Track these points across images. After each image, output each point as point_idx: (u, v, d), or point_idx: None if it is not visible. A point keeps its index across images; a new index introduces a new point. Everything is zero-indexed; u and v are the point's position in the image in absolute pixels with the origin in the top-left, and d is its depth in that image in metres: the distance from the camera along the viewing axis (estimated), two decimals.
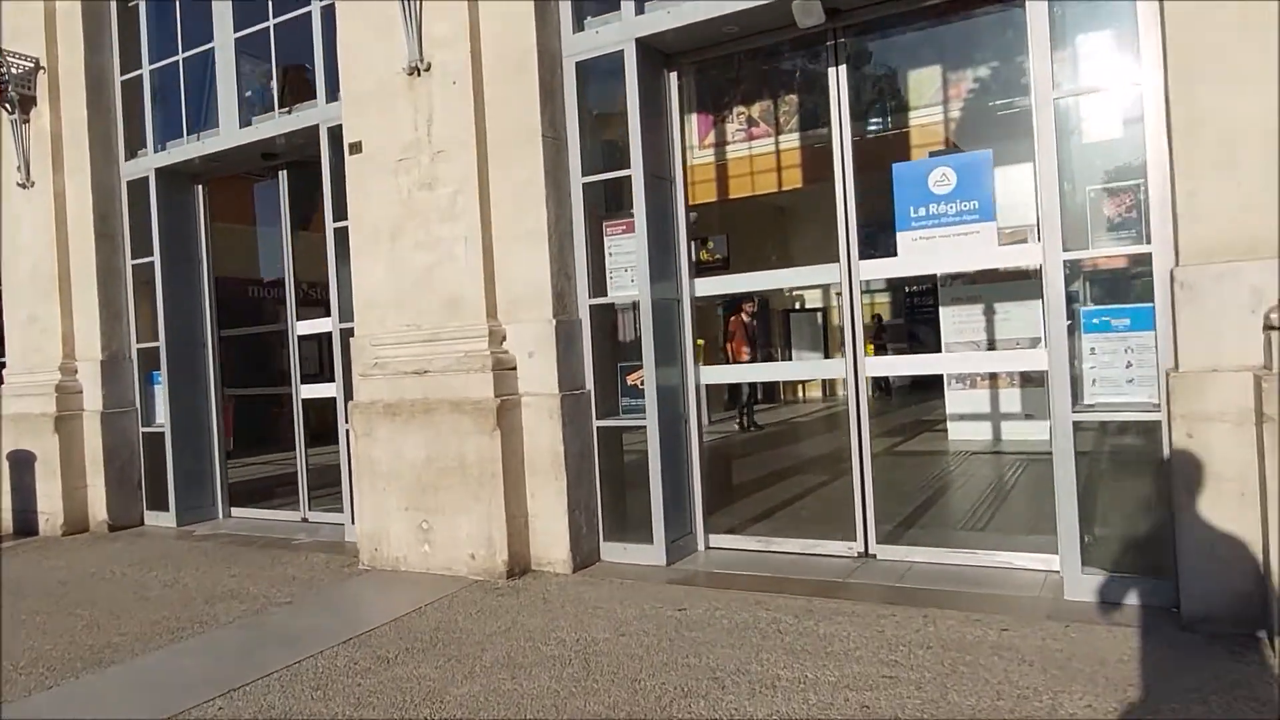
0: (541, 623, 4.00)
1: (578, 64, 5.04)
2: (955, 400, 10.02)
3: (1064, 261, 3.82)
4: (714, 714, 2.94)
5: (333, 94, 5.91)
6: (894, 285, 18.58)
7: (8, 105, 7.18)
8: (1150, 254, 3.64)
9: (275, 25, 6.40)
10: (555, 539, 4.85)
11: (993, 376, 9.65)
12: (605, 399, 5.12)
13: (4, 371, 7.76)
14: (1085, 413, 3.84)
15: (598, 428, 5.05)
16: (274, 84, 6.64)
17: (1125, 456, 4.18)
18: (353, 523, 5.63)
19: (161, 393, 7.20)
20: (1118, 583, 3.76)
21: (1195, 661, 3.11)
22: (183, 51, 7.04)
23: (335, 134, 5.87)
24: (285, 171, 6.97)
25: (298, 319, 6.92)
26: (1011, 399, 9.61)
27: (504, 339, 5.01)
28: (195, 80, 7.07)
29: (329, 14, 5.82)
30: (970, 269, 4.51)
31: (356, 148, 5.56)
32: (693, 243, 14.26)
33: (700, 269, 7.21)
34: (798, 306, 20.28)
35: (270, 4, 6.38)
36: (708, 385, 5.49)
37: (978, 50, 9.43)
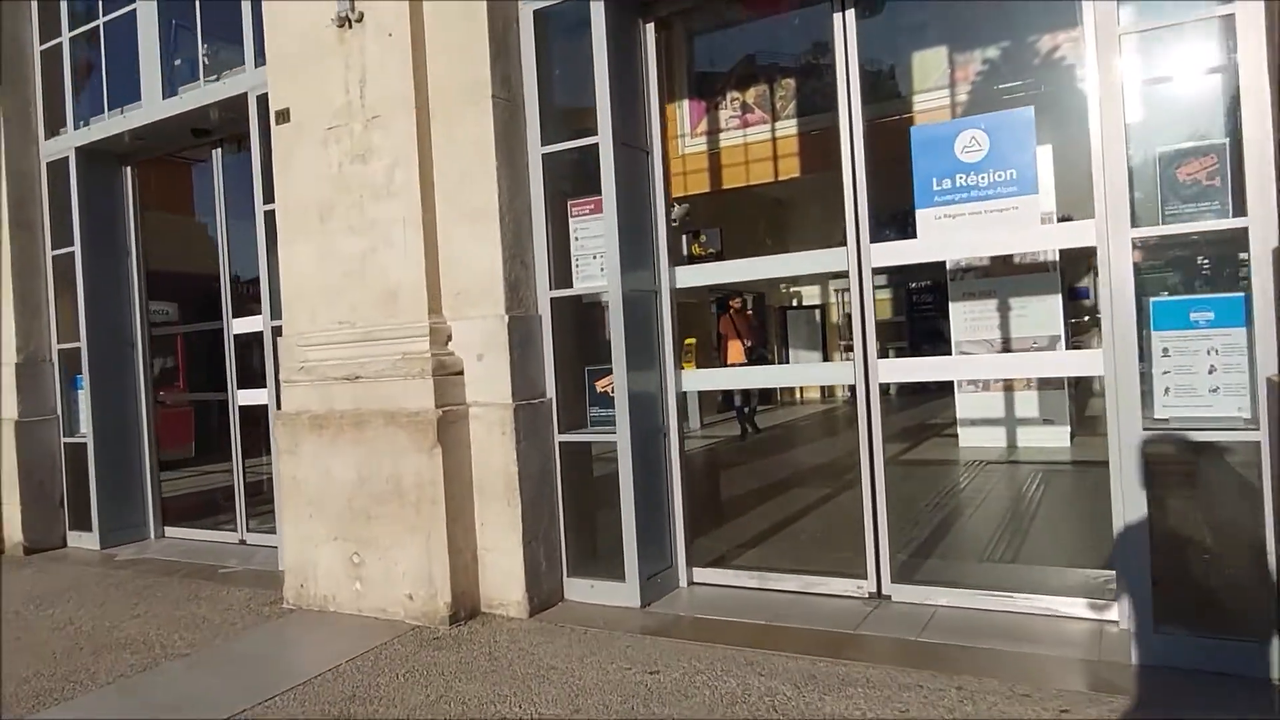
0: (480, 691, 3.22)
1: (536, 12, 4.26)
2: (967, 404, 9.26)
3: (1132, 241, 3.04)
4: None
5: (262, 57, 5.12)
6: (892, 280, 17.79)
7: None
8: (1245, 229, 2.87)
9: None
10: (508, 576, 4.07)
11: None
12: (570, 409, 4.35)
13: None
14: (1157, 428, 3.07)
15: (560, 443, 4.28)
16: (201, 49, 5.84)
17: (1202, 482, 3.40)
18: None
19: (85, 399, 6.42)
20: (1199, 645, 2.99)
21: None
22: (103, 15, 6.25)
23: (264, 103, 5.07)
24: (219, 150, 6.19)
25: (234, 315, 6.14)
26: (1028, 403, 8.85)
27: (449, 338, 4.23)
28: (119, 48, 6.28)
29: None
30: (1007, 252, 3.70)
31: (283, 116, 4.78)
32: (684, 235, 13.48)
33: (692, 263, 6.45)
34: (795, 304, 19.52)
35: None
36: (692, 392, 4.70)
37: None
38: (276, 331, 5.14)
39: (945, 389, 11.13)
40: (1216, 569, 3.22)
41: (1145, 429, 3.04)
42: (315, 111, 4.53)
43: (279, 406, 4.82)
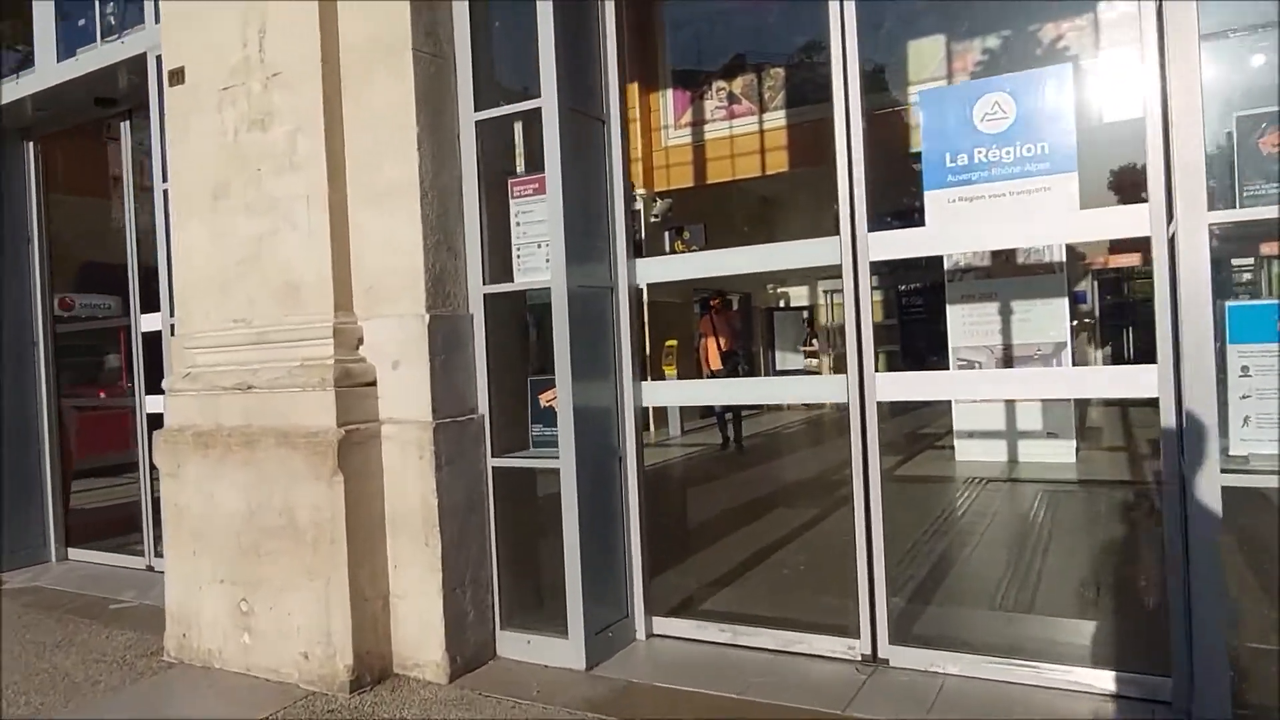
0: None
1: None
2: (964, 414, 8.58)
3: (1208, 228, 2.36)
4: None
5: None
6: (881, 280, 17.15)
7: None
8: None
9: None
10: (426, 630, 3.36)
11: None
12: (508, 427, 3.64)
13: None
14: (1239, 472, 2.39)
15: (495, 469, 3.57)
16: (102, 6, 5.09)
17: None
18: None
19: None
20: None
21: None
22: None
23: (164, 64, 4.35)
24: (128, 122, 5.45)
25: (144, 310, 5.40)
26: (1031, 414, 8.17)
27: (360, 342, 3.51)
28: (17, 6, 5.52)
29: None
30: (1040, 244, 2.97)
31: (177, 76, 4.04)
32: (667, 232, 12.72)
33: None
34: (782, 305, 18.85)
35: None
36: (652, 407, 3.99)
37: None
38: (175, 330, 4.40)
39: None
40: None
41: (1225, 471, 2.35)
42: (211, 71, 3.81)
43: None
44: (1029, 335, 8.07)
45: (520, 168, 3.82)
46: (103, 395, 7.55)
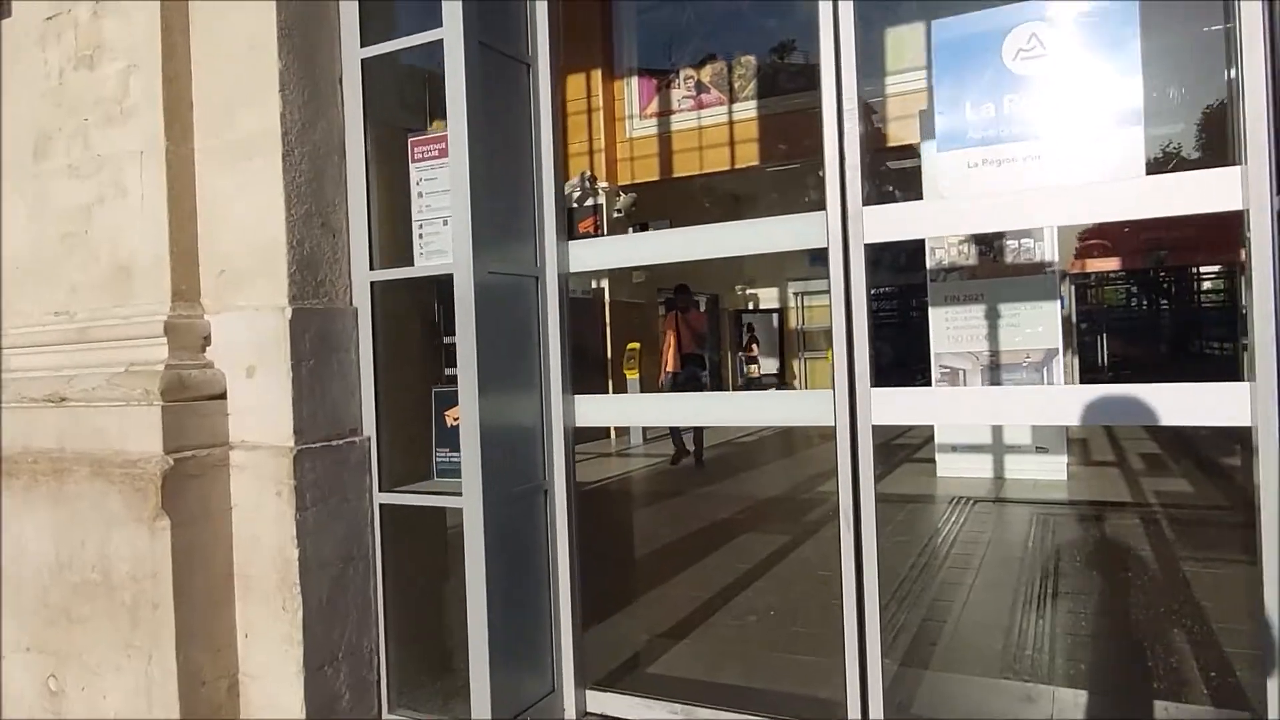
0: None
1: None
2: (945, 426, 7.93)
3: None
4: None
5: None
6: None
7: None
8: None
9: None
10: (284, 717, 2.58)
11: None
12: (405, 454, 2.87)
13: None
14: None
15: (383, 506, 2.79)
16: None
17: None
18: None
19: None
20: None
21: None
22: None
23: None
24: None
25: None
26: (1018, 427, 7.54)
27: (206, 341, 2.72)
28: None
29: None
30: (1097, 219, 2.23)
31: (4, 8, 3.24)
32: (631, 229, 11.95)
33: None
34: (752, 308, 18.20)
35: None
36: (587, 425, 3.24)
37: None
38: None
39: None
40: None
41: None
42: None
43: None
44: (1018, 342, 7.45)
45: (429, 125, 3.05)
46: None
